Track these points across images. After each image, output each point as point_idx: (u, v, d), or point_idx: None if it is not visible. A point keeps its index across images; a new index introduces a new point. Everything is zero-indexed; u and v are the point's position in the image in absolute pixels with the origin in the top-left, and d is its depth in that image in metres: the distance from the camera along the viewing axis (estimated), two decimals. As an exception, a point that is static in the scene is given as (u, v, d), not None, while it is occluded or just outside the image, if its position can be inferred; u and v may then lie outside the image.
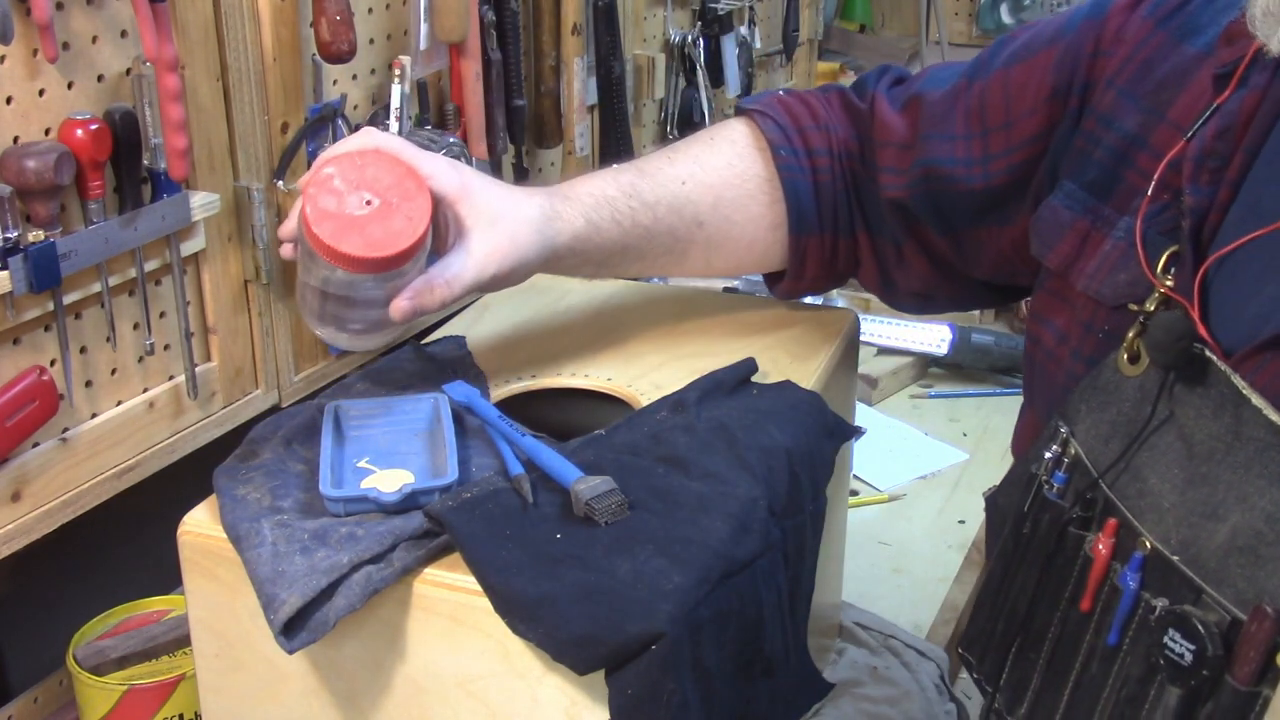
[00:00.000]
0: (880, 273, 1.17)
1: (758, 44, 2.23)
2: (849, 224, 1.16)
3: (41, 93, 1.07)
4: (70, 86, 1.09)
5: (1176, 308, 0.85)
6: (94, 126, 1.08)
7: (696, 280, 1.54)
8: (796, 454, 0.97)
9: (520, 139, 1.63)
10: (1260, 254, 0.83)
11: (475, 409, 1.01)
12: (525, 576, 0.83)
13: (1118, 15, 0.98)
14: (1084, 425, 0.91)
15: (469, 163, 1.43)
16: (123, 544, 1.37)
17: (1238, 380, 0.80)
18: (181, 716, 1.20)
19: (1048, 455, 0.92)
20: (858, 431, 1.23)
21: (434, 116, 1.50)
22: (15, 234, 1.03)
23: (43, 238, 1.06)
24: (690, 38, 2.04)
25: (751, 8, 2.20)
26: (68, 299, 1.11)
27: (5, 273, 1.03)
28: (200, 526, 0.92)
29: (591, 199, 1.07)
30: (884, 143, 1.11)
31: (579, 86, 1.71)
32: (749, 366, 1.08)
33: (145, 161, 1.15)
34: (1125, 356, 0.88)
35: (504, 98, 1.57)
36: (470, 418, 1.01)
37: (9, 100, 1.04)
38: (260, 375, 1.34)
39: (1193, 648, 0.79)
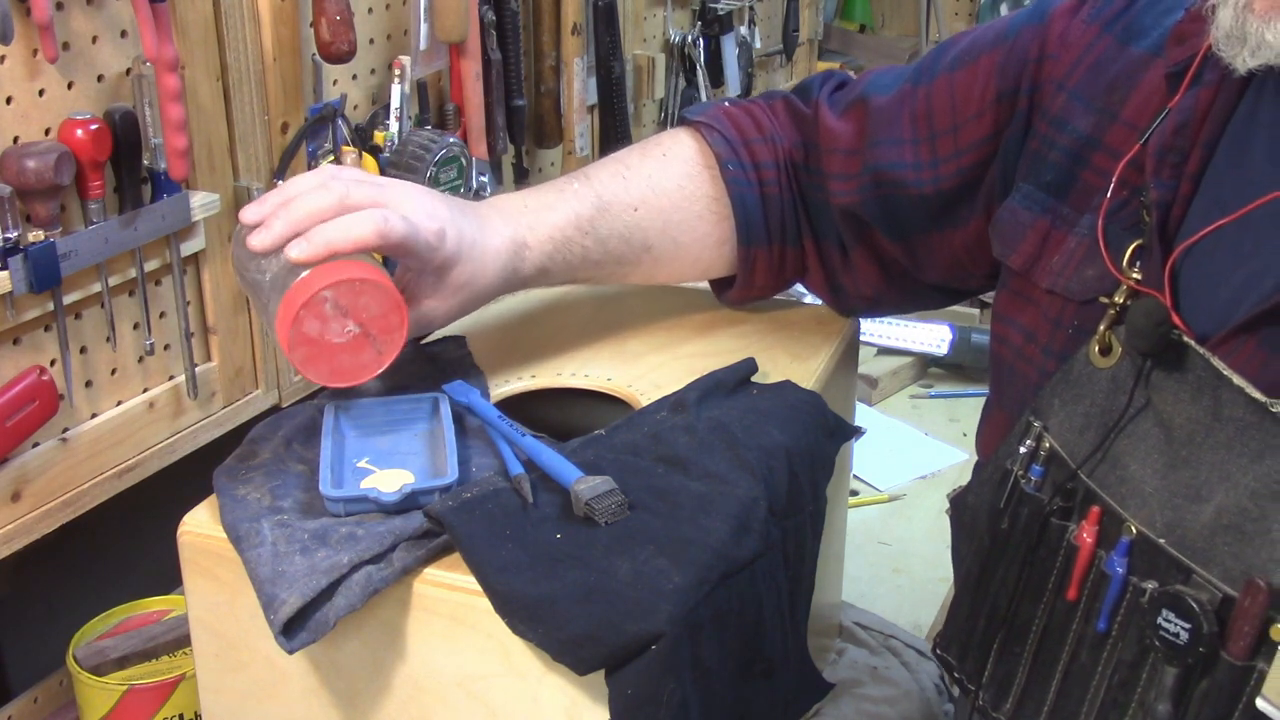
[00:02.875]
0: (827, 278, 1.19)
1: (758, 44, 2.23)
2: (796, 233, 1.18)
3: (41, 93, 1.07)
4: (70, 86, 1.09)
5: (1146, 299, 0.86)
6: (94, 126, 1.08)
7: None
8: (796, 454, 0.97)
9: (520, 139, 1.63)
10: (1225, 243, 0.85)
11: (475, 409, 1.01)
12: (525, 576, 0.83)
13: (1060, 20, 1.01)
14: (1058, 419, 0.92)
15: (469, 163, 1.43)
16: (123, 544, 1.37)
17: (1217, 362, 0.82)
18: (181, 716, 1.20)
19: (1022, 450, 0.93)
20: (858, 431, 1.23)
21: (434, 116, 1.50)
22: (15, 234, 1.03)
23: (43, 238, 1.06)
24: (690, 38, 2.04)
25: (751, 8, 2.20)
26: (68, 299, 1.11)
27: (5, 273, 1.03)
28: (200, 526, 0.92)
29: (552, 244, 1.08)
30: (830, 149, 1.13)
31: (579, 86, 1.71)
32: (749, 366, 1.08)
33: (145, 161, 1.15)
34: (1097, 349, 0.90)
35: (504, 98, 1.57)
36: (470, 418, 1.01)
37: (9, 100, 1.04)
38: (260, 375, 1.34)
39: (1188, 626, 0.80)
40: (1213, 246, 0.86)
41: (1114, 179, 0.92)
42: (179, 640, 1.24)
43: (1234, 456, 0.81)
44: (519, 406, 1.09)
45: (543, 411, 1.11)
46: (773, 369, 1.12)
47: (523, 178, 1.69)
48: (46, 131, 1.08)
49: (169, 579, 1.17)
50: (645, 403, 1.06)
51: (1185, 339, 0.84)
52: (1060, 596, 0.91)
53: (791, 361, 1.14)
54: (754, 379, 1.08)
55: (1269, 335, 0.81)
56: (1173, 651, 0.81)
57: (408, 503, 0.88)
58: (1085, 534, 0.88)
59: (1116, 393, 0.88)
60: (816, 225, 1.17)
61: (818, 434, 1.02)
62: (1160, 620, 0.82)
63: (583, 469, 0.91)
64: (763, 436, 0.97)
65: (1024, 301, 1.01)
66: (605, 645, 0.80)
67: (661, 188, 1.14)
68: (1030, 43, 1.02)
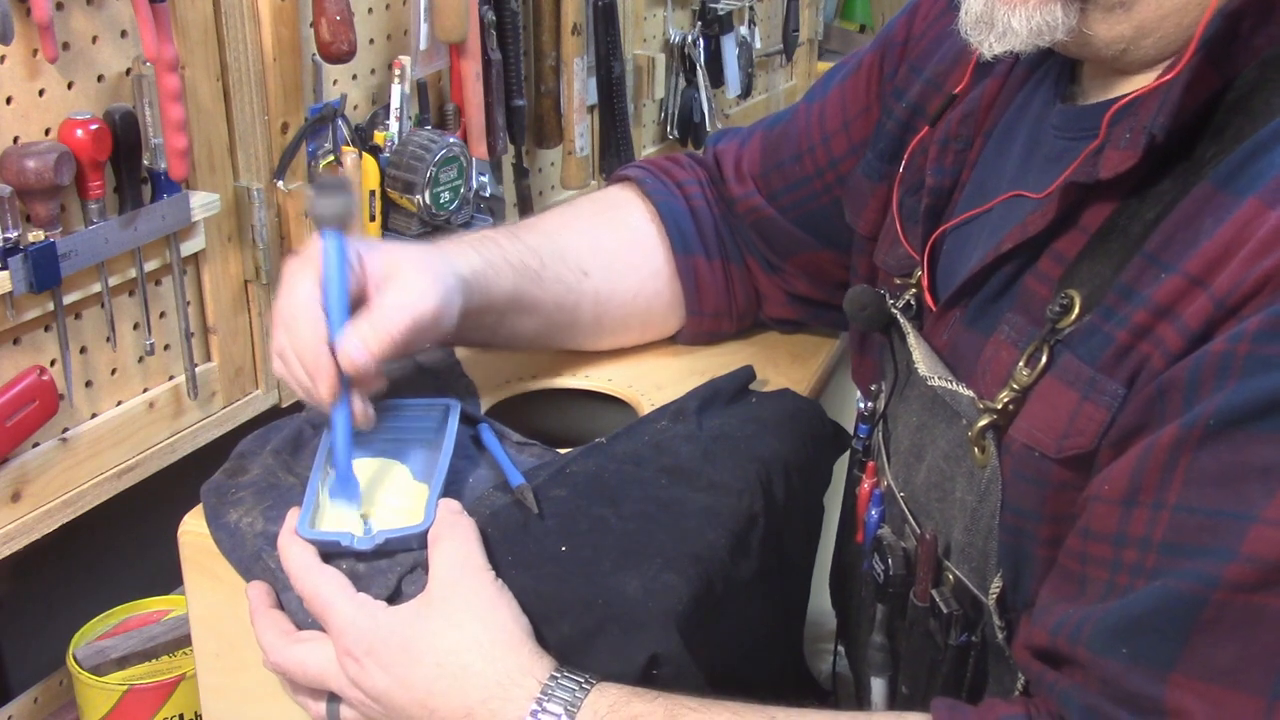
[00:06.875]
0: (787, 296, 1.17)
1: (758, 44, 2.23)
2: (736, 249, 1.17)
3: (41, 93, 1.07)
4: (70, 86, 1.09)
5: (857, 286, 0.96)
6: (94, 126, 1.08)
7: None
8: (795, 465, 0.98)
9: (520, 139, 1.63)
10: (974, 226, 0.90)
11: (482, 440, 0.98)
12: (533, 610, 0.82)
13: (924, 4, 1.04)
14: (881, 381, 0.98)
15: (469, 163, 1.43)
16: (123, 544, 1.37)
17: (911, 339, 0.90)
18: (181, 716, 1.21)
19: (861, 407, 1.00)
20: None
21: (434, 116, 1.50)
22: (15, 234, 1.03)
23: (43, 238, 1.06)
24: (690, 38, 2.04)
25: (751, 8, 2.20)
26: (68, 299, 1.11)
27: (5, 273, 1.03)
28: (200, 527, 0.92)
29: (476, 239, 1.04)
30: (738, 177, 1.15)
31: (579, 86, 1.70)
32: (747, 374, 1.07)
33: (145, 161, 1.15)
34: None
35: (504, 98, 1.57)
36: (462, 425, 0.99)
37: (9, 100, 1.04)
38: (260, 375, 1.34)
39: (883, 568, 0.90)
40: (968, 231, 0.90)
41: (904, 160, 0.97)
42: (179, 640, 1.24)
43: (935, 420, 0.87)
44: (519, 407, 1.09)
45: (543, 412, 1.11)
46: (772, 370, 1.12)
47: (523, 177, 1.69)
48: (46, 131, 1.08)
49: (169, 579, 1.17)
50: (646, 403, 1.06)
51: (900, 318, 0.91)
52: (852, 538, 0.98)
53: (791, 362, 1.14)
54: (754, 383, 1.08)
55: (964, 310, 0.86)
56: (877, 589, 0.90)
57: (383, 549, 0.84)
58: (865, 484, 0.96)
59: (886, 359, 0.96)
60: (747, 245, 1.17)
61: (816, 444, 1.03)
62: (873, 562, 0.91)
63: (585, 481, 0.90)
64: (762, 446, 0.97)
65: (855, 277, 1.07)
66: (615, 663, 0.79)
67: (581, 216, 1.15)
68: (898, 30, 1.05)
